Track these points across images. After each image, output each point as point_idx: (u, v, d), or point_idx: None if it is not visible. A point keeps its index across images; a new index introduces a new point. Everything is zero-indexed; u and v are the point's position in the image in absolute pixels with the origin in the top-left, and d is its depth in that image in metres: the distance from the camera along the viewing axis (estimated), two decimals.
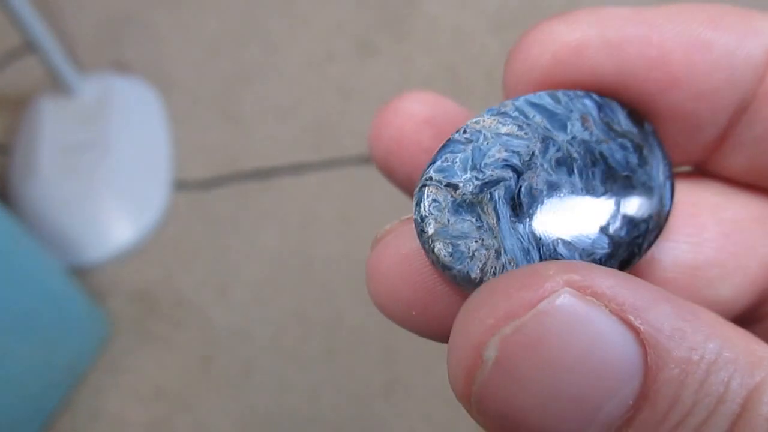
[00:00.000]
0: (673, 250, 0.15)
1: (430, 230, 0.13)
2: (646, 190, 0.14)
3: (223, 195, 0.86)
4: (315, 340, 0.77)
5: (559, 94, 0.14)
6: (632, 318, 0.11)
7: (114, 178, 0.84)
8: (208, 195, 0.86)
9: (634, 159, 0.14)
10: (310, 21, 0.97)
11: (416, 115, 0.16)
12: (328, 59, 0.94)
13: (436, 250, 0.13)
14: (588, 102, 0.14)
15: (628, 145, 0.14)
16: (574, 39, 0.14)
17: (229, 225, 0.84)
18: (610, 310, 0.11)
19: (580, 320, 0.11)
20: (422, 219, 0.13)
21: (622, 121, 0.14)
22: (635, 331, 0.11)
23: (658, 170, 0.14)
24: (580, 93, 0.14)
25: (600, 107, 0.14)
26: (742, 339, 0.11)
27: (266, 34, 0.97)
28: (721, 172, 0.16)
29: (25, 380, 0.68)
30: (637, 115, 0.15)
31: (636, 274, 0.14)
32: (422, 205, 0.13)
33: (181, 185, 0.87)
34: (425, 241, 0.13)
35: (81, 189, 0.83)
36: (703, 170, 0.16)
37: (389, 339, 0.75)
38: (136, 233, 0.83)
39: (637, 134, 0.14)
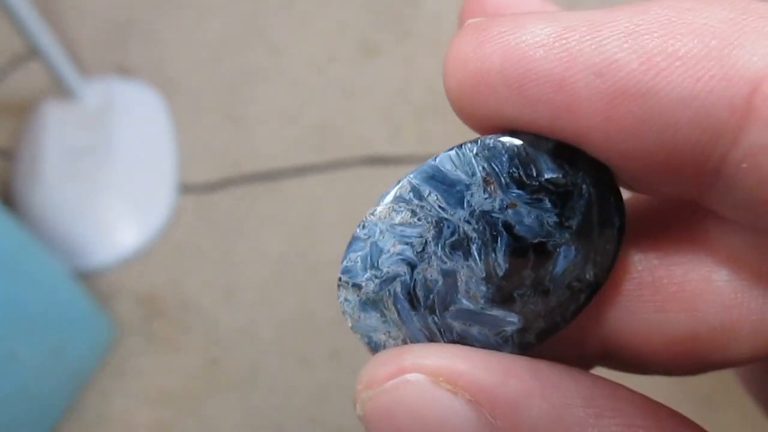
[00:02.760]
0: (663, 324, 0.13)
1: (349, 324, 0.14)
2: (568, 251, 0.13)
3: (228, 197, 0.86)
4: (320, 341, 0.77)
5: (466, 149, 0.13)
6: (487, 410, 0.12)
7: (119, 181, 0.84)
8: (212, 198, 0.86)
9: (551, 218, 0.13)
10: (311, 22, 0.97)
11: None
12: (330, 60, 0.95)
13: (359, 338, 0.14)
14: (501, 151, 0.13)
15: (545, 200, 0.12)
16: (479, 72, 0.12)
17: (233, 227, 0.85)
18: (465, 401, 0.12)
19: (429, 406, 0.12)
20: (343, 313, 0.14)
21: (544, 166, 0.12)
22: (490, 424, 0.12)
23: (591, 217, 0.13)
24: (495, 139, 0.13)
25: (514, 156, 0.13)
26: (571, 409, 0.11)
27: (268, 36, 0.97)
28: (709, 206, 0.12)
29: (32, 384, 0.68)
30: (568, 149, 0.12)
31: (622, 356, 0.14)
32: (340, 302, 0.14)
33: (185, 188, 0.87)
34: (351, 329, 0.14)
35: (86, 193, 0.83)
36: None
37: None
38: (141, 236, 0.83)
39: (564, 178, 0.12)
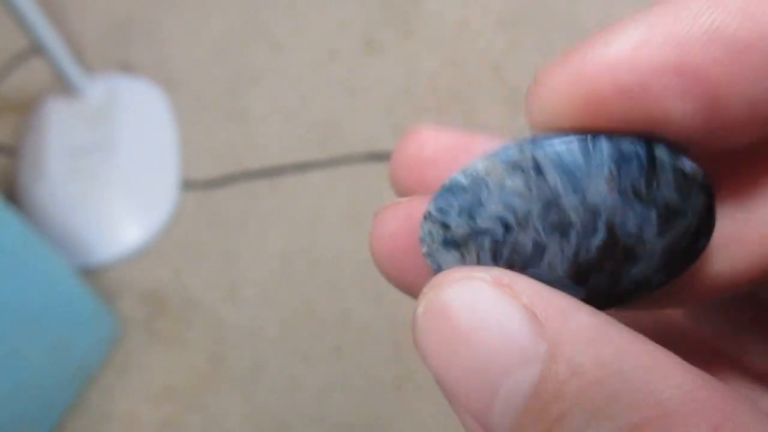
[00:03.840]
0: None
1: (425, 250, 0.15)
2: (651, 260, 0.14)
3: (231, 194, 0.86)
4: (324, 337, 0.77)
5: (602, 146, 0.13)
6: (539, 315, 0.12)
7: (121, 178, 0.85)
8: (215, 194, 0.86)
9: (651, 229, 0.13)
10: (314, 19, 0.97)
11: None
12: (332, 57, 0.95)
13: (429, 263, 0.15)
14: (632, 159, 0.13)
15: (653, 213, 0.13)
16: (642, 67, 0.12)
17: (236, 224, 0.85)
18: (519, 305, 0.12)
19: (487, 303, 0.12)
20: (421, 240, 0.15)
21: (666, 185, 0.13)
22: (540, 327, 0.12)
23: (684, 238, 0.14)
24: (630, 145, 0.13)
25: (642, 169, 0.13)
26: (648, 372, 0.11)
27: (271, 34, 0.97)
28: None
29: (36, 380, 0.68)
30: (696, 172, 0.13)
31: None
32: (422, 230, 0.14)
33: (188, 185, 0.87)
34: (423, 254, 0.15)
35: (89, 190, 0.83)
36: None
37: (398, 336, 0.75)
38: (144, 233, 0.83)
39: (679, 201, 0.13)
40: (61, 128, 0.87)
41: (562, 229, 0.13)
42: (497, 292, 0.13)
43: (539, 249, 0.14)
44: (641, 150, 0.13)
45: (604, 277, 0.14)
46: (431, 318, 0.13)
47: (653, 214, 0.13)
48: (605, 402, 0.11)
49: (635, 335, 0.12)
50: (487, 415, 0.12)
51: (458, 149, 0.17)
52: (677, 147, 0.13)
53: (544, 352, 0.12)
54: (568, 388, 0.11)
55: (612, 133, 0.13)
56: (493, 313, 0.12)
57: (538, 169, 0.13)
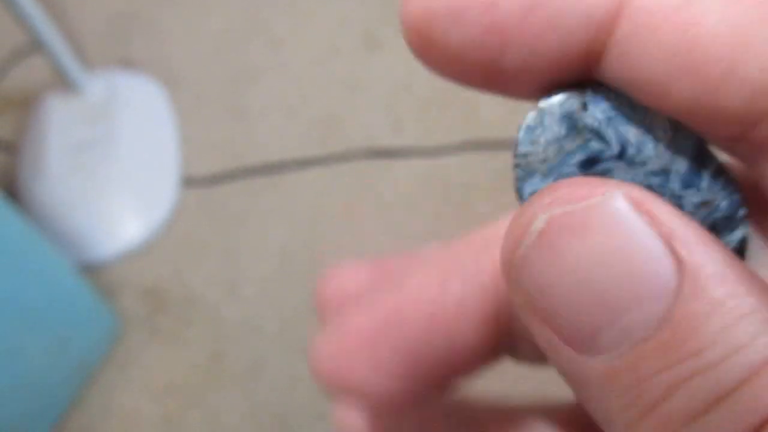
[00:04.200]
0: None
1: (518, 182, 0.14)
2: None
3: (231, 191, 0.86)
4: None
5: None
6: (679, 246, 0.11)
7: (122, 175, 0.84)
8: (215, 191, 0.86)
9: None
10: (314, 16, 0.97)
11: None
12: (333, 54, 0.94)
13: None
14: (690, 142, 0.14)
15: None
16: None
17: (237, 221, 0.85)
18: (658, 232, 0.12)
19: (626, 226, 0.12)
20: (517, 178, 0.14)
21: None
22: (677, 260, 0.11)
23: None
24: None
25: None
26: None
27: (271, 30, 0.97)
28: None
29: (36, 377, 0.68)
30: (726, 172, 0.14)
31: None
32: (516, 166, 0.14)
33: (188, 182, 0.87)
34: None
35: (89, 187, 0.83)
36: None
37: None
38: (144, 230, 0.83)
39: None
40: (61, 125, 0.87)
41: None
42: (639, 225, 0.12)
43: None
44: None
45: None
46: (558, 238, 0.12)
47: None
48: (747, 338, 0.11)
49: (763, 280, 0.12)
50: (594, 338, 0.12)
51: (377, 279, 0.18)
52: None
53: (678, 287, 0.11)
54: (705, 326, 0.11)
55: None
56: (631, 249, 0.12)
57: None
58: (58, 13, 0.95)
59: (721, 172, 0.14)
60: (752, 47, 0.12)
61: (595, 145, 0.13)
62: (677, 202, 0.14)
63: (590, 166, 0.13)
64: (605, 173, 0.13)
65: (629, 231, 0.12)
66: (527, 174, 0.14)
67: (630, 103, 0.13)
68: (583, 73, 0.13)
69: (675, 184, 0.14)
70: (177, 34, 0.99)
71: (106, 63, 0.96)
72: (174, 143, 0.89)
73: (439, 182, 0.84)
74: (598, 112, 0.13)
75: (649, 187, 0.13)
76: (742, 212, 0.14)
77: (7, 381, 0.64)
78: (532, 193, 0.13)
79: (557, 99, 0.13)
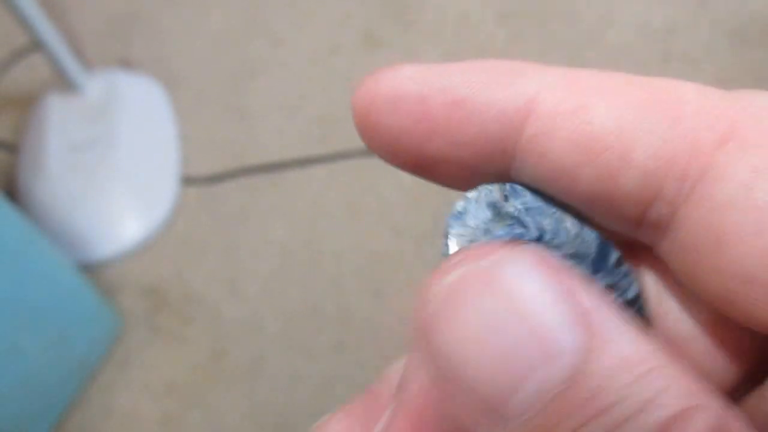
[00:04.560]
0: None
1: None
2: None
3: (231, 190, 0.86)
4: (326, 332, 0.77)
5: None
6: (584, 302, 0.12)
7: (122, 174, 0.84)
8: (216, 190, 0.86)
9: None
10: (314, 14, 0.97)
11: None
12: (333, 52, 0.94)
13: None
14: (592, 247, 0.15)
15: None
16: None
17: (237, 219, 0.84)
18: (564, 289, 0.12)
19: (529, 282, 0.12)
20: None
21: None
22: (583, 312, 0.11)
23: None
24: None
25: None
26: (683, 372, 0.12)
27: (271, 28, 0.97)
28: None
29: (37, 376, 0.68)
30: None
31: None
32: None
33: (189, 180, 0.87)
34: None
35: (89, 186, 0.83)
36: None
37: (400, 330, 0.75)
38: (145, 229, 0.83)
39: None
40: (60, 124, 0.87)
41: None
42: (541, 274, 0.12)
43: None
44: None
45: None
46: (464, 295, 0.12)
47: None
48: (653, 394, 0.11)
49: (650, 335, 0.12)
50: (505, 404, 0.11)
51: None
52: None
53: (584, 343, 0.11)
54: (615, 381, 0.11)
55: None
56: (538, 296, 0.12)
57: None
58: (58, 13, 0.95)
59: (621, 262, 0.15)
60: (637, 137, 0.13)
61: (517, 229, 0.14)
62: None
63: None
64: None
65: (532, 287, 0.12)
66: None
67: (543, 198, 0.15)
68: (502, 172, 0.15)
69: (587, 268, 0.15)
70: (177, 33, 0.99)
71: (105, 63, 0.96)
72: (174, 142, 0.89)
73: None
74: (518, 203, 0.15)
75: None
76: (640, 297, 0.15)
77: (7, 380, 0.65)
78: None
79: (483, 190, 0.15)
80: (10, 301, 0.62)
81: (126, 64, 0.96)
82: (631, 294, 0.15)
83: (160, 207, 0.84)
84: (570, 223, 0.15)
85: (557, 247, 0.14)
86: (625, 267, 0.15)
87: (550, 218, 0.15)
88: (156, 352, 0.78)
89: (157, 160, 0.88)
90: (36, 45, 0.82)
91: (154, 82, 0.93)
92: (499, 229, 0.14)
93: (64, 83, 0.87)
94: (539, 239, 0.14)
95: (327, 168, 0.86)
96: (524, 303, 0.12)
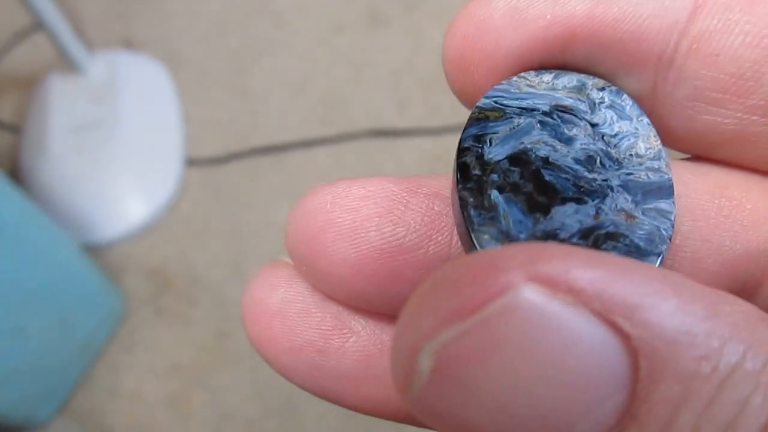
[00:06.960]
0: None
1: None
2: None
3: (235, 171, 0.86)
4: None
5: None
6: (621, 320, 0.09)
7: (125, 155, 0.84)
8: (219, 171, 0.86)
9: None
10: None
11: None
12: (337, 31, 0.93)
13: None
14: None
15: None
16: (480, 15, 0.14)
17: (241, 201, 0.84)
18: (590, 311, 0.09)
19: (546, 323, 0.09)
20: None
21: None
22: (624, 337, 0.09)
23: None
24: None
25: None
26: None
27: (274, 8, 0.96)
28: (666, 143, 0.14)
29: (42, 357, 0.69)
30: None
31: None
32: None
33: (192, 162, 0.87)
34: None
35: (92, 167, 0.83)
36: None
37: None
38: (148, 210, 0.83)
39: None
40: (63, 105, 0.86)
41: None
42: (558, 304, 0.09)
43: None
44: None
45: None
46: (461, 368, 0.09)
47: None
48: (738, 408, 0.09)
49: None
50: None
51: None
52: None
53: (633, 372, 0.09)
54: (681, 413, 0.09)
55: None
56: (561, 336, 0.09)
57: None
58: None
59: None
60: None
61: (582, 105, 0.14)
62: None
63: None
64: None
65: (553, 332, 0.09)
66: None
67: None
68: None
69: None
70: (179, 12, 0.98)
71: (108, 43, 0.95)
72: (177, 123, 0.88)
73: (444, 162, 0.83)
74: (607, 97, 0.14)
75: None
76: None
77: (13, 361, 0.65)
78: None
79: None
80: (14, 282, 0.62)
81: (129, 44, 0.96)
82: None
83: (163, 188, 0.84)
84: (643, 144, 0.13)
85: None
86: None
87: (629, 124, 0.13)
88: (161, 334, 0.78)
89: (161, 142, 0.87)
90: (38, 26, 0.81)
91: (157, 63, 0.92)
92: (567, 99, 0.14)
93: (67, 64, 0.86)
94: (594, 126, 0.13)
95: (331, 149, 0.85)
96: (546, 352, 0.09)
